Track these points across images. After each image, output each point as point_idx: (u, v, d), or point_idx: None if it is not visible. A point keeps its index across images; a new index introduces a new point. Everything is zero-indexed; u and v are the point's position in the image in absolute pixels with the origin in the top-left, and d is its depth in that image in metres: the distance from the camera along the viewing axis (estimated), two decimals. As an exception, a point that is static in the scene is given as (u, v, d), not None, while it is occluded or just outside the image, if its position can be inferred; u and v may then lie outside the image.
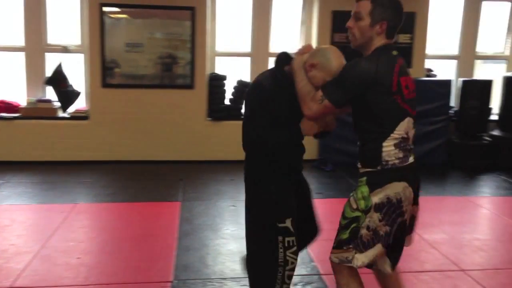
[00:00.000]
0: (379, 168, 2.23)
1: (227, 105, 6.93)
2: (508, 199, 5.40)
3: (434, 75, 7.26)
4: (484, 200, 5.36)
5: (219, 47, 7.03)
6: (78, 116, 6.61)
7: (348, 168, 6.50)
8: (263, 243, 2.42)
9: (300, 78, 2.32)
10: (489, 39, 7.43)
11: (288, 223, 2.37)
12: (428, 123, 6.79)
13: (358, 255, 2.25)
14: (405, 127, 2.23)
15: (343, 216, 2.31)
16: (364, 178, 2.26)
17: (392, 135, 2.22)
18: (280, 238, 2.36)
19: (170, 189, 5.53)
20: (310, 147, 6.94)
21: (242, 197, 5.14)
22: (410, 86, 2.24)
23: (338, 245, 2.30)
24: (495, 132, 7.04)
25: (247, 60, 7.11)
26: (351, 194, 2.30)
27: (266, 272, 2.40)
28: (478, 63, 7.57)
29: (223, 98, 6.90)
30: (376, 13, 2.22)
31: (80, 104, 6.77)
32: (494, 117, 7.21)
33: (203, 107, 6.81)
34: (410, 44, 7.00)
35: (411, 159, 2.28)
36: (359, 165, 2.33)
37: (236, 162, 6.86)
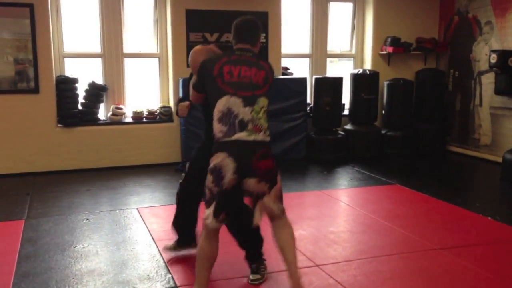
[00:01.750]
0: (214, 140, 2.85)
1: (79, 109, 6.43)
2: (361, 189, 5.72)
3: (291, 73, 7.47)
4: (340, 193, 5.61)
5: (67, 48, 6.49)
6: None
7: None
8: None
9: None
10: (338, 38, 7.84)
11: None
12: (288, 120, 6.96)
13: (206, 210, 2.86)
14: (223, 104, 2.77)
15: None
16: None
17: (215, 111, 2.81)
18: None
19: (13, 206, 4.95)
20: (173, 150, 6.84)
21: (99, 208, 4.80)
22: (236, 73, 2.81)
23: (207, 203, 2.89)
24: (347, 126, 7.47)
25: (99, 61, 6.68)
26: None
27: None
28: (334, 61, 7.98)
29: (75, 102, 6.39)
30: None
31: None
32: (347, 111, 7.64)
33: (52, 112, 6.24)
34: (265, 43, 7.13)
35: (240, 135, 2.74)
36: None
37: (93, 170, 6.53)
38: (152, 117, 6.81)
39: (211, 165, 2.80)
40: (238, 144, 2.75)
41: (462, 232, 4.23)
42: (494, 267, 3.51)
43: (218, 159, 2.76)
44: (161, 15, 6.84)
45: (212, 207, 2.81)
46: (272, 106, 6.69)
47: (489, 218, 4.55)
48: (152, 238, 4.09)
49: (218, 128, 2.79)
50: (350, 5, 7.81)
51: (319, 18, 7.62)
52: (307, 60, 7.76)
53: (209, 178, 2.81)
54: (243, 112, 2.75)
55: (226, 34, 6.90)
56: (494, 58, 6.48)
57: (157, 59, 6.98)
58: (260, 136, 2.77)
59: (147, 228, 4.33)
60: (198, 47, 3.41)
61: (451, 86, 7.76)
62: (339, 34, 7.87)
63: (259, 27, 3.02)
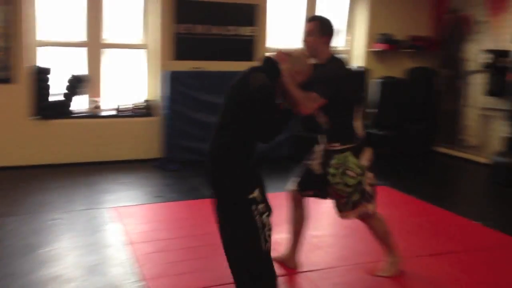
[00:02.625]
0: (356, 141, 3.03)
1: (56, 101, 6.14)
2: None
3: (277, 69, 7.24)
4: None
5: (43, 36, 6.18)
6: None
7: (194, 166, 6.21)
8: (242, 214, 2.58)
9: (292, 85, 2.73)
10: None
11: (255, 193, 2.57)
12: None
13: (370, 205, 3.10)
14: None
15: (346, 185, 3.02)
16: (348, 153, 3.00)
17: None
18: (253, 207, 2.56)
19: (-22, 204, 4.68)
20: (153, 145, 6.58)
21: (71, 207, 4.53)
22: None
23: (354, 205, 3.07)
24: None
25: (81, 51, 6.38)
26: (341, 169, 3.01)
27: (250, 236, 2.57)
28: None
29: (48, 94, 6.09)
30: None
31: None
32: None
33: (25, 103, 5.94)
34: (252, 37, 6.90)
35: None
36: (335, 145, 3.06)
37: (68, 165, 6.23)
38: (132, 111, 6.54)
39: (366, 162, 3.06)
40: None
41: (449, 237, 4.07)
42: (480, 274, 3.35)
43: (368, 152, 3.10)
44: (149, 4, 6.55)
45: (374, 200, 3.14)
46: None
47: (477, 222, 4.40)
48: (127, 240, 3.86)
49: (358, 129, 3.08)
50: (345, 0, 7.60)
51: (309, 11, 7.39)
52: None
53: (369, 175, 3.07)
54: None
55: (214, 26, 6.66)
56: (485, 58, 6.33)
57: (143, 50, 6.70)
58: None
59: (122, 229, 4.09)
60: (301, 51, 2.93)
61: (441, 85, 7.61)
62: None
63: None
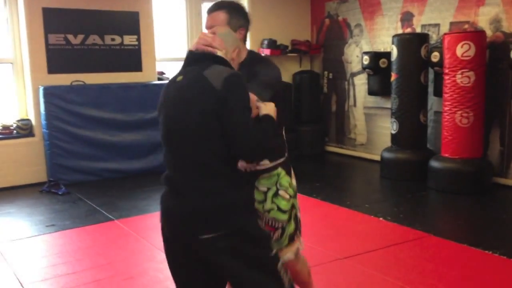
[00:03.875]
0: (286, 155, 2.37)
1: None
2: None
3: (167, 78, 7.00)
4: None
5: None
6: None
7: (86, 187, 5.74)
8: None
9: None
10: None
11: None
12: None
13: (300, 238, 2.39)
14: None
15: (282, 211, 2.27)
16: (280, 170, 2.31)
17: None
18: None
19: None
20: (37, 168, 5.94)
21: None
22: None
23: (290, 239, 2.30)
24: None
25: None
26: (272, 191, 2.27)
27: None
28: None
29: None
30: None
31: None
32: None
33: None
34: (137, 46, 6.56)
35: None
36: (264, 163, 2.26)
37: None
38: (7, 132, 5.86)
39: (294, 181, 2.44)
40: None
41: (361, 236, 4.17)
42: (400, 271, 3.45)
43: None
44: (13, 14, 5.91)
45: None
46: (149, 114, 6.33)
47: (381, 218, 4.58)
48: (20, 283, 3.37)
49: (284, 142, 2.45)
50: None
51: (194, 19, 7.24)
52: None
53: (297, 198, 2.43)
54: None
55: (92, 36, 6.22)
56: (366, 59, 6.68)
57: (11, 64, 6.04)
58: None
59: (11, 270, 3.58)
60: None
61: (326, 87, 7.91)
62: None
63: None
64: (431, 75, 6.12)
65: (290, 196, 2.31)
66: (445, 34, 5.58)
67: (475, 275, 3.39)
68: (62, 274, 3.50)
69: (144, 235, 4.24)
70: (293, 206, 2.32)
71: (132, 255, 3.85)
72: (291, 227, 2.30)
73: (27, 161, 5.87)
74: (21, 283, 3.36)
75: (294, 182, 2.39)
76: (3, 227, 4.54)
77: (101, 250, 3.95)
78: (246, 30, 2.31)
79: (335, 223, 4.55)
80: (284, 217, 2.27)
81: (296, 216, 2.35)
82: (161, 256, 3.75)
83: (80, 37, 6.17)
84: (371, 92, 6.96)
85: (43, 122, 5.83)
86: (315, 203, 5.15)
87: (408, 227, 4.32)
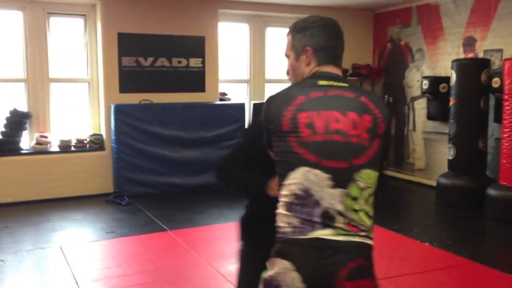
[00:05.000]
0: (276, 235, 1.64)
1: (2, 138, 5.96)
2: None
3: (229, 99, 7.33)
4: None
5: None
6: None
7: (146, 199, 6.13)
8: None
9: None
10: (275, 64, 7.78)
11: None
12: (226, 146, 6.76)
13: None
14: (298, 180, 1.57)
15: None
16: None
17: (283, 190, 1.62)
18: None
19: None
20: (104, 180, 6.45)
21: (17, 247, 4.35)
22: (321, 124, 1.58)
23: None
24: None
25: (22, 86, 6.25)
26: None
27: None
28: (269, 86, 7.91)
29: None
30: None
31: None
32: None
33: (-33, 142, 5.72)
34: (202, 68, 6.96)
35: (319, 232, 1.55)
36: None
37: (13, 204, 5.98)
38: (81, 146, 6.41)
39: (266, 275, 1.63)
40: (318, 248, 1.55)
41: (400, 259, 4.17)
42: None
43: (277, 268, 1.59)
44: (91, 38, 6.53)
45: None
46: (210, 133, 6.68)
47: (427, 244, 4.53)
48: (76, 281, 3.73)
49: (284, 219, 1.61)
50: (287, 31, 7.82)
51: (257, 43, 7.56)
52: (245, 85, 7.65)
53: None
54: (331, 196, 1.57)
55: (161, 59, 6.69)
56: (426, 84, 6.64)
57: (87, 84, 6.64)
58: (356, 238, 1.60)
59: (70, 269, 3.96)
60: None
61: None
62: (277, 60, 7.83)
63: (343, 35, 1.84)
64: (492, 101, 5.97)
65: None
66: (505, 59, 5.46)
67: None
68: (113, 276, 3.82)
69: (192, 246, 4.49)
70: None
71: (178, 263, 4.10)
72: None
73: (96, 173, 6.38)
74: (76, 282, 3.71)
75: (265, 275, 1.64)
76: (70, 232, 4.99)
77: (151, 257, 4.24)
78: (311, 50, 1.78)
79: (377, 245, 4.54)
80: None
81: None
82: (205, 266, 3.99)
83: (150, 59, 6.66)
84: (430, 117, 6.88)
85: (113, 137, 6.33)
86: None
87: (452, 253, 4.26)
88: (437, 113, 6.72)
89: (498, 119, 5.84)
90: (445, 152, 6.58)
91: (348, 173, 1.58)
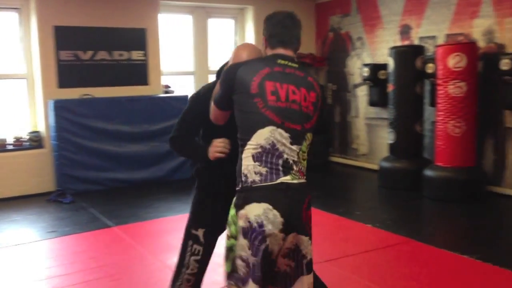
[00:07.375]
0: (240, 186, 2.04)
1: None
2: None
3: (172, 91, 7.26)
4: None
5: None
6: None
7: (91, 196, 6.00)
8: (182, 242, 2.57)
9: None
10: (218, 55, 7.76)
11: (200, 232, 2.49)
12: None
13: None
14: (266, 137, 2.00)
15: (225, 246, 2.11)
16: (234, 199, 2.08)
17: (249, 144, 2.02)
18: (190, 242, 2.51)
19: None
20: (45, 178, 6.25)
21: None
22: (283, 94, 2.04)
23: (226, 278, 2.11)
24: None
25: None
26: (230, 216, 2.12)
27: (176, 267, 2.58)
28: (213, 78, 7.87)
29: None
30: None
31: None
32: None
33: None
34: (144, 61, 6.85)
35: (283, 178, 2.00)
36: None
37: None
38: (19, 144, 6.18)
39: (243, 223, 1.98)
40: (284, 190, 1.99)
41: (343, 241, 4.29)
42: (374, 274, 3.55)
43: (256, 211, 1.95)
44: (27, 32, 6.28)
45: None
46: (155, 126, 6.59)
47: (369, 225, 4.68)
48: (17, 282, 3.60)
49: (253, 168, 1.99)
50: (231, 22, 7.82)
51: (200, 34, 7.51)
52: (191, 77, 7.59)
53: (242, 243, 1.99)
54: (289, 151, 2.02)
55: (101, 52, 6.53)
56: (366, 71, 6.81)
57: (25, 80, 6.39)
58: (303, 180, 2.08)
59: (10, 271, 3.82)
60: (247, 43, 2.52)
61: (330, 99, 8.04)
62: (221, 51, 7.81)
63: (301, 25, 2.21)
64: (427, 86, 6.21)
65: (231, 235, 2.04)
66: (437, 46, 5.68)
67: (447, 277, 3.47)
68: (55, 276, 3.72)
69: (138, 241, 4.44)
70: (231, 248, 2.04)
71: (122, 259, 4.04)
72: (226, 267, 2.06)
73: (36, 172, 6.17)
74: (17, 284, 3.59)
75: (241, 223, 1.98)
76: (8, 233, 4.81)
77: (94, 254, 4.15)
78: (265, 38, 2.22)
79: (322, 230, 4.65)
80: (224, 252, 2.09)
81: (234, 261, 2.02)
82: (150, 260, 3.96)
83: (90, 53, 6.49)
84: (371, 103, 7.07)
85: (52, 134, 6.13)
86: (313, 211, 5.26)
87: (392, 233, 4.42)
88: (378, 99, 6.92)
89: (433, 103, 6.08)
90: (386, 137, 6.79)
91: (301, 134, 2.06)
